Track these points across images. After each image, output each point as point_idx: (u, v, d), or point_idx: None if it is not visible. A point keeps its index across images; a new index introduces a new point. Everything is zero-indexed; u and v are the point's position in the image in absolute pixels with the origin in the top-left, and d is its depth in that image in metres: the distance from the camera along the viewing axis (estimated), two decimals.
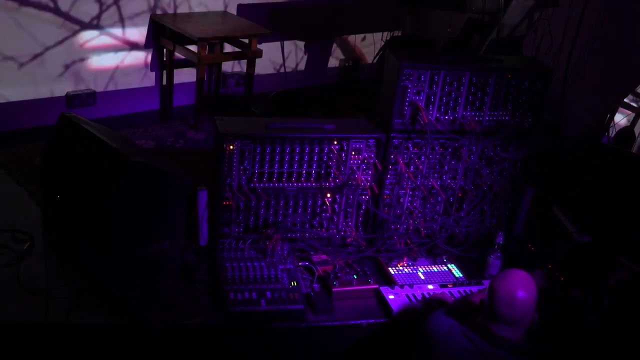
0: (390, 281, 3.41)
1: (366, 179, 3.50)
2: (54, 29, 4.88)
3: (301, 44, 6.38)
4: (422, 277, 3.46)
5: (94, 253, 3.36)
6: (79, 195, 3.45)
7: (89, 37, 5.06)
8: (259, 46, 5.45)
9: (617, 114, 5.84)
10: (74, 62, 5.05)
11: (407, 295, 3.26)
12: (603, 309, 3.47)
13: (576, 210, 4.12)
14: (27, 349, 2.94)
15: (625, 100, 5.76)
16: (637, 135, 5.69)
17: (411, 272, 3.50)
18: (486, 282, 3.36)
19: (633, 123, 5.95)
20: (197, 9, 5.51)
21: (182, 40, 5.16)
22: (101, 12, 5.06)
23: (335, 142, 3.40)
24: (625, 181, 3.96)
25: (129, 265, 3.33)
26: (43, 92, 4.98)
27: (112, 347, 2.99)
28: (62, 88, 5.06)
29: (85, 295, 3.08)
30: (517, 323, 2.61)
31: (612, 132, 5.77)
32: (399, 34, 6.74)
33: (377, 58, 6.63)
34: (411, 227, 3.64)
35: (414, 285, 3.36)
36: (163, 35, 5.29)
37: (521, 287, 2.61)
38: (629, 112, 5.92)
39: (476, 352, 2.60)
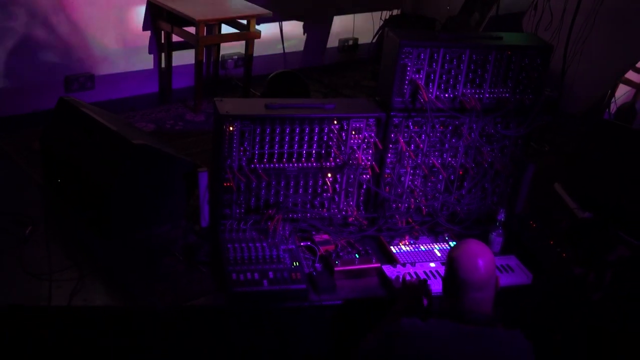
0: (392, 260, 3.41)
1: (367, 158, 3.50)
2: (51, 11, 4.86)
3: (300, 24, 6.35)
4: (424, 256, 3.46)
5: (95, 236, 3.36)
6: (79, 179, 3.44)
7: (87, 21, 5.04)
8: (257, 27, 5.43)
9: (617, 89, 5.83)
10: (72, 46, 5.03)
11: (409, 274, 3.26)
12: (605, 285, 3.48)
13: (577, 186, 4.13)
14: (31, 332, 2.95)
15: (626, 76, 5.75)
16: (637, 110, 5.68)
17: (413, 250, 3.50)
18: None
19: (634, 99, 5.94)
20: None
21: (180, 22, 5.14)
22: None
23: (336, 122, 3.39)
24: (626, 157, 3.96)
25: (131, 248, 3.34)
26: (41, 76, 4.96)
27: (116, 329, 3.00)
28: (61, 72, 5.05)
29: (88, 278, 3.09)
30: (486, 285, 2.60)
31: (613, 108, 5.76)
32: (399, 13, 6.72)
33: (376, 37, 6.60)
34: (412, 206, 3.64)
35: (416, 264, 3.37)
36: (161, 18, 5.27)
37: (479, 250, 2.63)
38: (630, 87, 5.91)
39: (458, 337, 2.55)
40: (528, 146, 3.78)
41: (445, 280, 2.70)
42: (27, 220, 3.41)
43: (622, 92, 5.94)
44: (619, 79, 5.70)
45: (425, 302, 2.97)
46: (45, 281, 3.02)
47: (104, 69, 5.26)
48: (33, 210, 3.52)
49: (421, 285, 3.06)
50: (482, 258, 2.60)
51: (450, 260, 2.65)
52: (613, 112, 5.76)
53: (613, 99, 5.76)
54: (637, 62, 5.57)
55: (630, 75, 5.81)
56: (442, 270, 3.31)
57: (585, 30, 5.25)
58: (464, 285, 2.59)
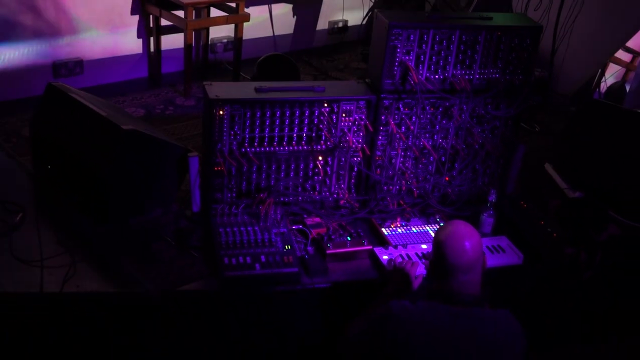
0: (384, 242, 3.42)
1: (357, 141, 3.49)
2: None
3: (289, 6, 6.32)
4: (416, 237, 3.47)
5: (87, 222, 3.35)
6: (70, 165, 3.43)
7: (75, 5, 5.00)
8: (246, 10, 5.40)
9: (607, 69, 5.84)
10: (60, 31, 5.00)
11: (400, 256, 3.27)
12: (595, 265, 3.50)
13: (568, 166, 4.14)
14: (23, 320, 2.95)
15: (616, 55, 5.75)
16: (627, 90, 5.70)
17: (405, 232, 3.51)
18: None
19: (624, 78, 5.96)
20: None
21: (169, 5, 5.11)
22: None
23: (326, 105, 3.39)
24: (616, 136, 3.97)
25: (123, 234, 3.33)
26: (29, 62, 4.93)
27: (109, 315, 3.00)
28: (49, 57, 5.02)
29: (80, 264, 3.09)
30: (474, 267, 2.60)
31: (603, 88, 5.77)
32: None
33: (366, 19, 6.59)
34: (404, 188, 3.65)
35: (408, 245, 3.38)
36: (149, 1, 5.24)
37: (466, 232, 2.63)
38: (620, 67, 5.92)
39: (447, 318, 2.55)
40: (518, 127, 3.78)
41: (433, 263, 2.70)
42: (17, 207, 3.39)
43: (612, 71, 5.96)
44: (609, 58, 5.70)
45: (415, 284, 2.97)
46: (37, 268, 3.01)
47: (93, 54, 5.23)
48: (23, 196, 3.51)
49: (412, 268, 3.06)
50: (469, 240, 2.60)
51: (437, 244, 2.65)
52: (603, 91, 5.77)
53: (603, 79, 5.77)
54: (626, 41, 5.57)
55: (620, 54, 5.82)
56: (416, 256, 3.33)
57: (575, 10, 5.24)
58: (452, 268, 2.59)
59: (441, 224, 3.54)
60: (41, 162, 3.68)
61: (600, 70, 5.71)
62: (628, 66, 5.92)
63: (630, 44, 5.66)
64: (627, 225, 3.67)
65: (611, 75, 5.92)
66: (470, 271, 2.60)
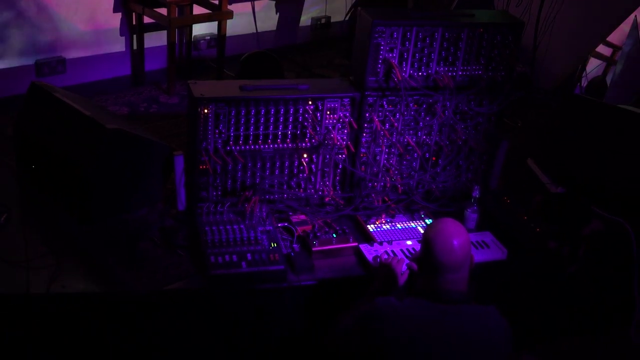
0: (369, 238, 3.44)
1: (342, 138, 3.51)
2: None
3: (272, 3, 6.32)
4: (401, 234, 3.49)
5: (72, 222, 3.35)
6: (54, 165, 3.42)
7: (57, 3, 4.98)
8: (229, 7, 5.40)
9: (588, 63, 5.89)
10: (42, 30, 4.97)
11: (386, 252, 3.29)
12: (579, 259, 3.54)
13: (550, 161, 4.17)
14: (10, 321, 2.95)
15: (597, 49, 5.80)
16: (608, 84, 5.75)
17: (390, 228, 3.53)
18: None
19: (604, 72, 6.01)
20: None
21: (152, 3, 5.10)
22: None
23: (310, 102, 3.40)
24: (598, 131, 4.01)
25: (109, 233, 3.33)
26: (11, 61, 4.90)
27: (96, 315, 3.00)
28: (31, 56, 4.99)
29: (66, 264, 3.08)
30: (462, 266, 2.63)
31: (584, 82, 5.82)
32: None
33: (349, 15, 6.60)
34: (388, 185, 3.67)
35: (393, 242, 3.40)
36: None
37: (455, 231, 2.65)
38: (600, 61, 5.97)
39: (434, 315, 2.58)
40: (501, 122, 3.81)
41: (421, 260, 2.72)
42: (2, 207, 3.38)
43: (593, 66, 6.01)
44: (590, 53, 5.75)
45: (401, 281, 2.99)
46: (23, 268, 3.00)
47: (76, 53, 5.21)
48: (7, 197, 3.50)
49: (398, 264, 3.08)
50: (457, 239, 2.62)
51: (426, 241, 2.67)
52: (584, 86, 5.82)
53: (584, 73, 5.82)
54: (607, 36, 5.62)
55: (601, 48, 5.87)
56: (418, 247, 3.34)
57: (556, 6, 5.28)
58: (440, 266, 2.61)
59: (428, 221, 3.57)
60: (25, 162, 3.66)
61: (581, 64, 5.76)
62: (608, 60, 5.97)
63: (610, 38, 5.70)
64: (609, 219, 3.71)
65: (592, 69, 5.97)
66: (458, 269, 2.62)
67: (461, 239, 2.63)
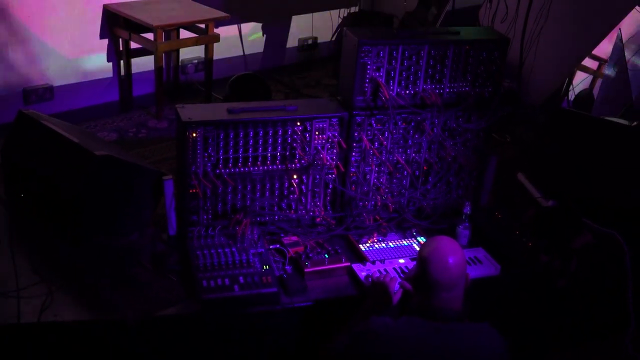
0: (361, 258, 3.43)
1: (331, 158, 3.51)
2: (6, 23, 4.79)
3: (258, 25, 6.35)
4: (393, 252, 3.49)
5: (62, 250, 3.33)
6: (44, 193, 3.41)
7: (43, 31, 4.98)
8: (216, 30, 5.41)
9: (575, 77, 5.92)
10: (29, 58, 4.97)
11: (378, 271, 3.28)
12: (570, 272, 3.54)
13: (540, 175, 4.18)
14: (2, 352, 2.92)
15: (583, 63, 5.83)
16: (595, 97, 5.78)
17: (382, 247, 3.52)
18: None
19: (591, 85, 6.05)
20: None
21: (138, 28, 5.11)
22: (54, 4, 4.98)
23: (299, 123, 3.40)
24: (587, 144, 4.02)
25: (100, 259, 3.31)
26: None
27: (88, 343, 2.97)
28: (19, 84, 4.98)
29: (56, 292, 3.06)
30: (457, 284, 2.62)
31: (572, 96, 5.85)
32: (356, 10, 6.74)
33: (335, 35, 6.62)
34: (379, 203, 3.67)
35: (385, 260, 3.39)
36: (118, 25, 5.23)
37: (450, 249, 2.64)
38: (587, 74, 6.01)
39: (429, 334, 2.56)
40: (490, 138, 3.82)
41: (416, 278, 2.71)
42: None
43: (580, 79, 6.04)
44: (576, 66, 5.79)
45: (394, 299, 2.98)
46: (13, 298, 2.98)
47: (63, 79, 5.20)
48: None
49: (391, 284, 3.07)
50: (452, 257, 2.61)
51: (422, 260, 2.66)
52: (572, 99, 5.85)
53: (571, 87, 5.85)
54: (592, 49, 5.66)
55: (587, 62, 5.90)
56: (411, 265, 3.33)
57: (541, 21, 5.32)
58: (435, 284, 2.60)
59: (420, 239, 3.57)
60: (13, 190, 3.64)
61: (567, 78, 5.79)
62: (595, 73, 6.01)
63: (596, 51, 5.74)
64: (600, 232, 3.71)
65: (579, 83, 6.00)
66: (453, 288, 2.61)
67: (457, 257, 2.62)
